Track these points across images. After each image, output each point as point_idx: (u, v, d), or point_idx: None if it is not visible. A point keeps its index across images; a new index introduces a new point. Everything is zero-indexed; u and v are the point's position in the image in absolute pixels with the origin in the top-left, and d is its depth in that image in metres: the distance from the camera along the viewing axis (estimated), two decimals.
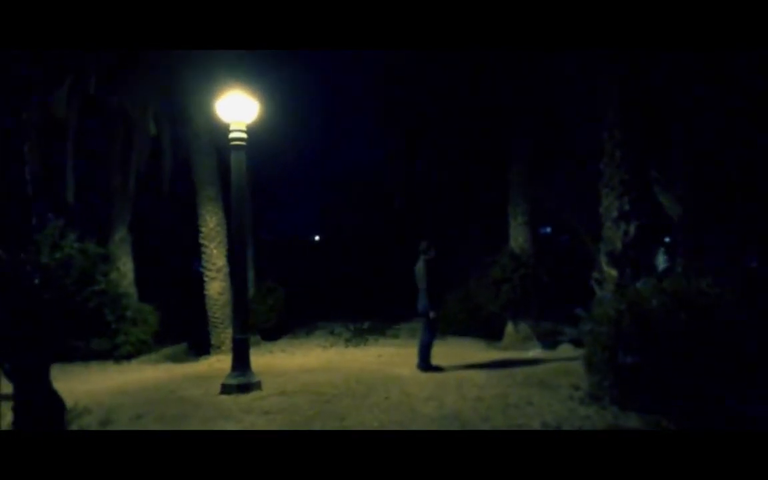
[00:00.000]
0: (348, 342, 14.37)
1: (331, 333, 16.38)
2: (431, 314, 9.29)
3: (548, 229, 22.70)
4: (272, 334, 16.02)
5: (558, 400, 7.12)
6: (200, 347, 14.48)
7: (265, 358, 12.07)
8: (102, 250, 8.38)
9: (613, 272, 7.43)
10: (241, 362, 8.36)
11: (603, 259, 7.63)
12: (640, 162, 7.52)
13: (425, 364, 9.45)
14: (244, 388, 8.14)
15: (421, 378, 8.77)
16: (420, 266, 9.44)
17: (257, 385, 8.30)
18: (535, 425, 6.08)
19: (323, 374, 9.41)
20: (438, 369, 9.43)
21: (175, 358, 13.26)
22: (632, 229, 7.42)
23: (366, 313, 19.31)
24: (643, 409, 5.35)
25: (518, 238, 12.95)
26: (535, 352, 11.93)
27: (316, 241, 30.46)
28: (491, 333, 14.80)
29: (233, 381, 8.22)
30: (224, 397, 7.93)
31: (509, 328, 12.96)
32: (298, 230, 32.14)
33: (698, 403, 4.79)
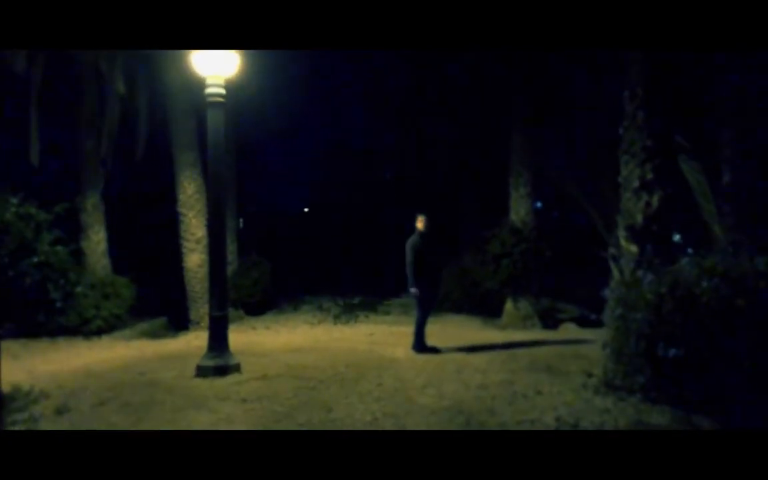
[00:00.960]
0: (337, 318, 13.64)
1: (319, 308, 15.64)
2: (412, 291, 8.54)
3: (538, 204, 22.07)
4: (257, 309, 15.28)
5: (570, 389, 6.47)
6: (181, 322, 13.76)
7: (247, 336, 11.34)
8: (48, 215, 7.43)
9: (633, 248, 6.73)
10: (218, 342, 7.62)
11: (621, 234, 6.93)
12: (665, 126, 6.77)
13: (420, 345, 8.76)
14: (221, 370, 7.42)
15: (417, 361, 8.07)
16: (410, 241, 8.66)
17: (236, 368, 7.58)
18: (548, 419, 5.41)
19: (309, 355, 8.70)
20: (434, 350, 8.74)
21: (153, 334, 12.52)
22: (655, 200, 6.71)
23: (356, 288, 18.59)
24: (680, 405, 4.66)
25: (519, 210, 12.21)
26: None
27: (305, 213, 29.60)
28: (488, 310, 14.15)
29: (209, 363, 7.49)
30: (199, 380, 7.22)
31: (509, 305, 12.28)
32: (286, 202, 31.28)
33: (756, 404, 4.11)
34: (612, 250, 7.04)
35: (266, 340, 10.56)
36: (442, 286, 10.39)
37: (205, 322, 12.26)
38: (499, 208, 14.10)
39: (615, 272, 6.92)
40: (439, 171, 18.48)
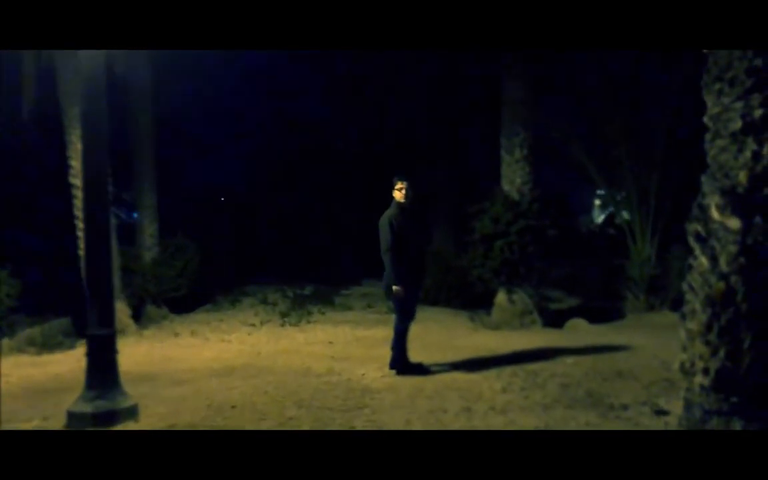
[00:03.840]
0: (285, 317, 11.17)
1: (264, 302, 13.13)
2: (394, 289, 6.22)
3: None
4: (184, 305, 12.67)
5: None
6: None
7: (164, 347, 8.82)
8: None
9: (734, 222, 4.57)
10: (100, 374, 5.17)
11: (712, 201, 4.73)
12: None
13: (402, 363, 6.46)
14: (105, 419, 5.00)
15: (401, 391, 5.76)
16: (385, 218, 6.32)
17: (129, 413, 5.17)
18: None
19: (244, 382, 6.32)
20: (422, 370, 6.47)
21: (44, 344, 9.86)
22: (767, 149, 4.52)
23: (308, 274, 16.13)
24: None
25: (514, 178, 9.95)
26: None
27: (249, 189, 26.76)
28: (471, 302, 12.00)
29: (86, 408, 5.05)
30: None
31: (501, 298, 10.07)
32: (227, 177, 28.53)
33: None
34: (695, 226, 4.84)
35: (189, 355, 8.08)
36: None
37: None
38: (482, 175, 11.91)
39: (701, 259, 4.74)
40: (403, 134, 16.08)
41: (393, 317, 6.71)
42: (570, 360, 6.72)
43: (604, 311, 11.21)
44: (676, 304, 10.76)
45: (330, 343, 8.46)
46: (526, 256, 9.67)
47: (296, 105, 23.01)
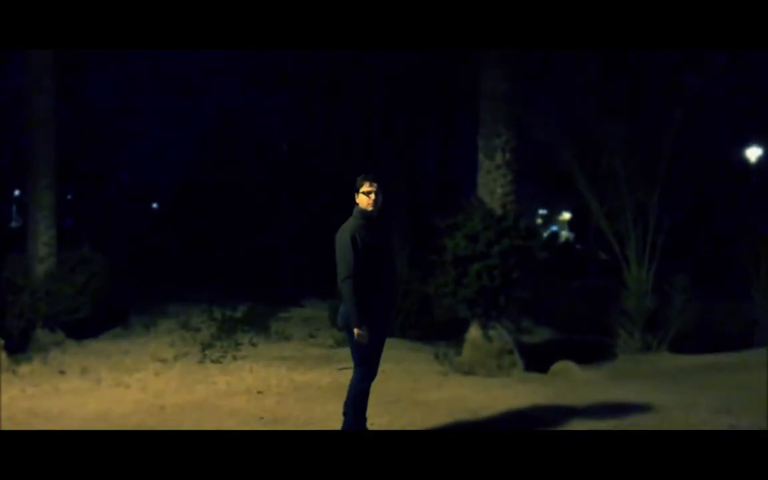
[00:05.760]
0: (207, 348, 9.14)
1: (185, 327, 11.04)
2: (356, 333, 4.42)
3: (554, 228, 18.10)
4: (88, 328, 10.48)
5: None
6: None
7: (39, 393, 6.70)
8: None
9: None
10: None
11: None
12: None
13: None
14: None
15: None
16: (345, 233, 4.49)
17: None
18: None
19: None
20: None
21: None
22: None
23: (241, 291, 14.16)
24: None
25: (495, 188, 8.30)
26: None
27: (178, 196, 24.59)
28: (431, 332, 10.36)
29: None
30: None
31: (474, 333, 8.37)
32: (155, 182, 26.45)
33: None
34: None
35: (67, 408, 6.03)
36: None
37: None
38: (447, 184, 10.25)
39: None
40: (350, 133, 14.38)
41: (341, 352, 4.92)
42: (581, 421, 5.05)
43: (588, 347, 9.72)
44: (676, 344, 9.46)
45: (259, 393, 6.52)
46: (510, 284, 8.01)
47: (229, 101, 21.15)
